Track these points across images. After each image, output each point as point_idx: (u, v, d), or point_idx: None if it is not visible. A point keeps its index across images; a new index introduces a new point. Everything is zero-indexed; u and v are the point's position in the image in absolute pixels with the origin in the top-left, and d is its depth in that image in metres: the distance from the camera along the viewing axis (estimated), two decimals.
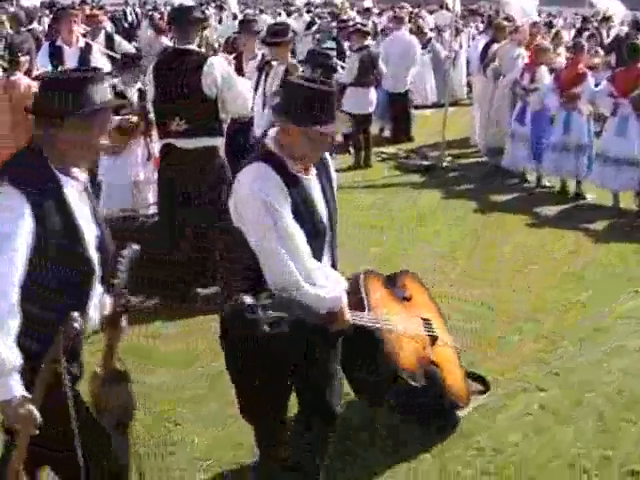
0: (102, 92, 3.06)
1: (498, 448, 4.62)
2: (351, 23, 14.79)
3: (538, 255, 8.11)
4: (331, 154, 11.92)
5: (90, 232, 3.14)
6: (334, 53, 12.58)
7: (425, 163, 12.07)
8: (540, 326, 6.35)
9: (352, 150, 12.35)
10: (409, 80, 13.86)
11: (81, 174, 3.18)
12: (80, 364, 3.30)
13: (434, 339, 4.64)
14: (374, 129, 13.26)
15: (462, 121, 14.25)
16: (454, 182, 11.27)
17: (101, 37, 11.24)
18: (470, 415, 4.85)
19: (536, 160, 10.72)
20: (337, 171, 9.20)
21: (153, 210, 7.42)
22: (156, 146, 7.27)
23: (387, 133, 14.24)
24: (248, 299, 3.19)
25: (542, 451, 4.62)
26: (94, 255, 3.13)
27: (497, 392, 5.24)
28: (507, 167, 11.27)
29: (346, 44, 14.38)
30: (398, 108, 13.95)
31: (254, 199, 3.38)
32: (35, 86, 7.25)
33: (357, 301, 4.09)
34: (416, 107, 15.07)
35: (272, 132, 3.55)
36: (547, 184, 10.84)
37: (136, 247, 3.42)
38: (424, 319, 4.66)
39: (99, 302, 3.25)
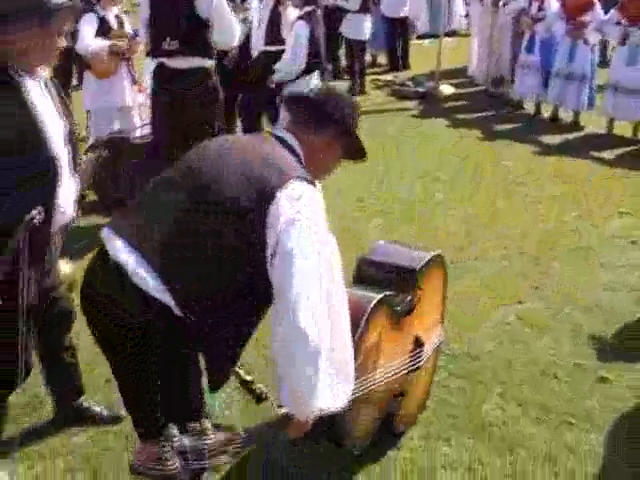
0: None
1: (473, 354, 4.71)
2: None
3: (529, 178, 8.14)
4: (339, 76, 11.92)
5: (57, 127, 3.15)
6: None
7: (420, 90, 12.04)
8: (525, 244, 6.42)
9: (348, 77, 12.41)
10: (407, 5, 13.78)
11: (42, 70, 3.16)
12: (49, 261, 3.33)
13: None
14: (368, 56, 13.23)
15: (459, 52, 14.13)
16: (450, 109, 11.25)
17: None
18: (447, 325, 4.94)
19: (545, 88, 10.67)
20: None
21: (146, 131, 7.44)
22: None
23: (382, 60, 14.19)
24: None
25: (516, 359, 4.71)
26: (61, 151, 3.14)
27: (477, 304, 5.34)
28: (517, 96, 11.20)
29: None
30: (397, 34, 13.89)
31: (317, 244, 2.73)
32: None
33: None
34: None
35: (295, 145, 2.96)
36: (545, 114, 10.79)
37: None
38: (416, 341, 3.91)
39: (73, 192, 3.29)
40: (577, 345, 4.87)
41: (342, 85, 10.20)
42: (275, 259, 2.67)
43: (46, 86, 3.18)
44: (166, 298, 2.67)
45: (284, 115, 3.17)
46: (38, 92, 3.12)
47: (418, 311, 3.85)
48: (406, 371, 3.80)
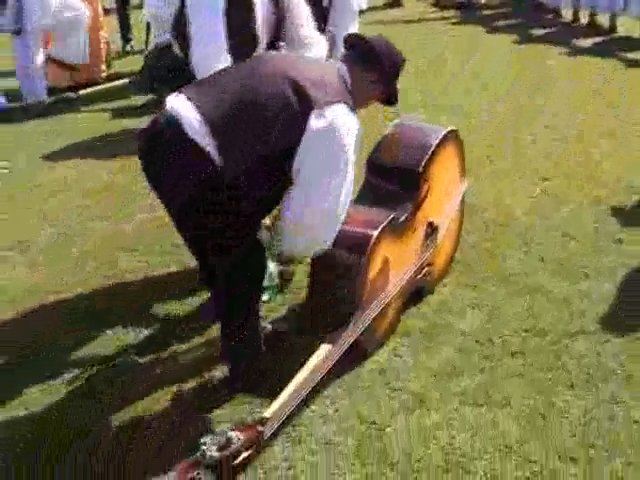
0: None
1: (501, 222, 5.24)
2: None
3: (564, 77, 8.55)
4: None
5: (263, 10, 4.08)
6: None
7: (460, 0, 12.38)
8: (553, 130, 6.91)
9: None
10: None
11: None
12: None
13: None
14: None
15: None
16: (489, 17, 11.57)
17: None
18: (481, 198, 5.46)
19: None
20: (373, 9, 9.79)
21: None
22: None
23: None
24: None
25: (540, 225, 5.21)
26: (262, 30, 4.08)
27: (508, 181, 5.87)
28: (545, 2, 11.50)
29: None
30: None
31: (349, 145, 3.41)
32: None
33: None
34: None
35: (347, 76, 3.54)
36: (583, 20, 11.04)
37: None
38: (429, 226, 4.30)
39: None
40: (597, 214, 5.34)
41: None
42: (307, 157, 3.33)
43: None
44: (212, 150, 3.25)
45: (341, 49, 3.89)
46: None
47: (428, 199, 4.20)
48: (423, 259, 4.25)
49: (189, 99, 3.36)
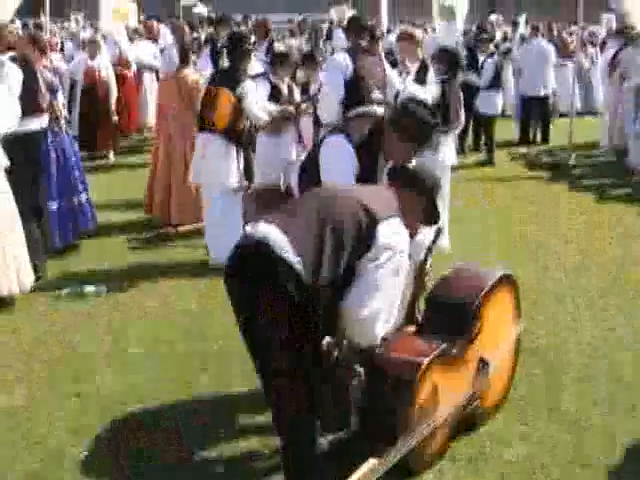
0: None
1: (562, 364, 5.56)
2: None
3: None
4: (464, 152, 12.92)
5: None
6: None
7: (551, 161, 12.88)
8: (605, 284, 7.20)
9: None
10: (549, 86, 14.74)
11: None
12: None
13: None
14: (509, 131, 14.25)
15: (596, 127, 14.92)
16: (577, 177, 12.02)
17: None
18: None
19: None
20: (465, 167, 10.44)
21: None
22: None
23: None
24: None
25: (596, 367, 5.50)
26: None
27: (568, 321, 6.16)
28: (632, 166, 11.92)
29: None
30: (535, 111, 14.84)
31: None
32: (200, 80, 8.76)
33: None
34: (561, 115, 15.95)
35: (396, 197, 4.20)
36: None
37: None
38: (481, 361, 4.64)
39: None
40: None
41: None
42: (372, 263, 3.91)
43: None
44: (299, 267, 3.74)
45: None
46: None
47: (480, 336, 4.58)
48: (474, 391, 4.58)
49: (271, 223, 3.89)
